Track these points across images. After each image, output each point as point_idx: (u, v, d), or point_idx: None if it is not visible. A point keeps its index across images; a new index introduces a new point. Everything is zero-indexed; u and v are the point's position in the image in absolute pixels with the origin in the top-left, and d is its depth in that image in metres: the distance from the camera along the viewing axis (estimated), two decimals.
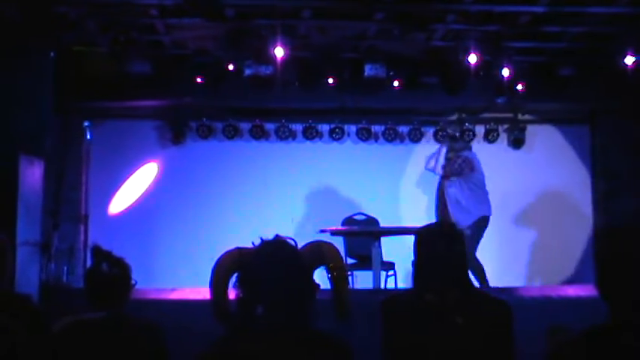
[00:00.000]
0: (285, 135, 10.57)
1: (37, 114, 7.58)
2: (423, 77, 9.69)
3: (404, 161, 10.86)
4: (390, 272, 9.06)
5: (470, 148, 9.80)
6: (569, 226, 10.71)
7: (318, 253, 5.63)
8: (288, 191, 10.50)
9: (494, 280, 9.08)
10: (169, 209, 10.50)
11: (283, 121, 10.55)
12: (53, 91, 7.88)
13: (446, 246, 3.38)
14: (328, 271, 5.79)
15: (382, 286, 8.55)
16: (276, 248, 2.77)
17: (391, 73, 9.42)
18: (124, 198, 10.59)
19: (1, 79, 7.40)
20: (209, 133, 10.57)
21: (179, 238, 10.32)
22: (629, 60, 8.63)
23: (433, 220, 9.55)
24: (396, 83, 9.63)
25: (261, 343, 2.63)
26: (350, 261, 9.05)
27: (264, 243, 2.78)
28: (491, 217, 9.17)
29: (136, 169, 10.64)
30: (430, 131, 10.72)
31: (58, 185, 10.04)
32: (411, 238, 3.54)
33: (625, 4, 7.73)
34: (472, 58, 8.59)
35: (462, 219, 9.01)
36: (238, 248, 5.07)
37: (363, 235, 9.13)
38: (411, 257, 3.48)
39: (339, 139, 10.66)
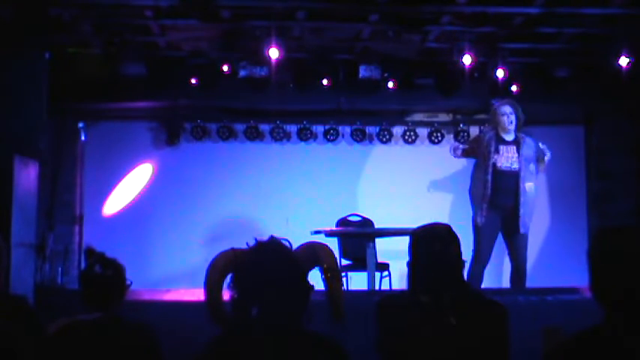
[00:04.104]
0: (279, 136, 10.57)
1: (31, 115, 7.57)
2: (417, 79, 9.69)
3: (398, 162, 10.85)
4: (385, 273, 9.05)
5: None
6: (564, 227, 10.71)
7: (313, 254, 5.61)
8: (283, 192, 10.50)
9: (490, 281, 9.06)
10: (164, 210, 10.49)
11: (278, 122, 10.54)
12: (48, 93, 7.87)
13: (441, 247, 3.38)
14: (322, 272, 5.78)
15: (377, 287, 8.53)
16: (270, 249, 2.76)
17: (386, 75, 9.42)
18: (119, 199, 10.58)
19: None
20: (204, 135, 10.56)
21: (174, 238, 10.30)
22: (624, 61, 8.63)
23: (431, 220, 9.45)
24: (390, 84, 9.63)
25: (255, 344, 2.63)
26: (344, 262, 9.03)
27: (259, 244, 2.78)
28: None
29: (131, 170, 10.63)
30: (424, 132, 10.72)
31: (53, 186, 10.03)
32: (406, 239, 3.54)
33: (619, 5, 7.74)
34: (467, 60, 8.59)
35: (527, 225, 7.62)
36: (233, 249, 5.04)
37: (358, 236, 9.10)
38: (406, 258, 3.48)
39: (333, 140, 10.65)
